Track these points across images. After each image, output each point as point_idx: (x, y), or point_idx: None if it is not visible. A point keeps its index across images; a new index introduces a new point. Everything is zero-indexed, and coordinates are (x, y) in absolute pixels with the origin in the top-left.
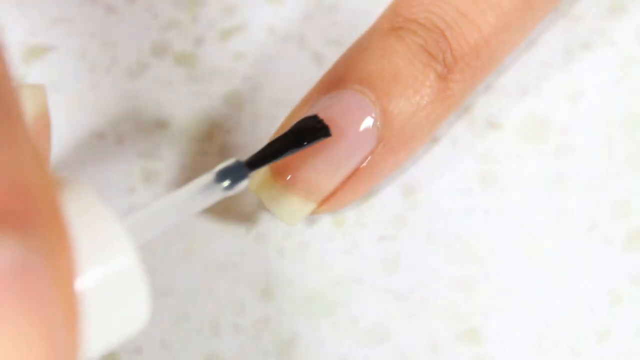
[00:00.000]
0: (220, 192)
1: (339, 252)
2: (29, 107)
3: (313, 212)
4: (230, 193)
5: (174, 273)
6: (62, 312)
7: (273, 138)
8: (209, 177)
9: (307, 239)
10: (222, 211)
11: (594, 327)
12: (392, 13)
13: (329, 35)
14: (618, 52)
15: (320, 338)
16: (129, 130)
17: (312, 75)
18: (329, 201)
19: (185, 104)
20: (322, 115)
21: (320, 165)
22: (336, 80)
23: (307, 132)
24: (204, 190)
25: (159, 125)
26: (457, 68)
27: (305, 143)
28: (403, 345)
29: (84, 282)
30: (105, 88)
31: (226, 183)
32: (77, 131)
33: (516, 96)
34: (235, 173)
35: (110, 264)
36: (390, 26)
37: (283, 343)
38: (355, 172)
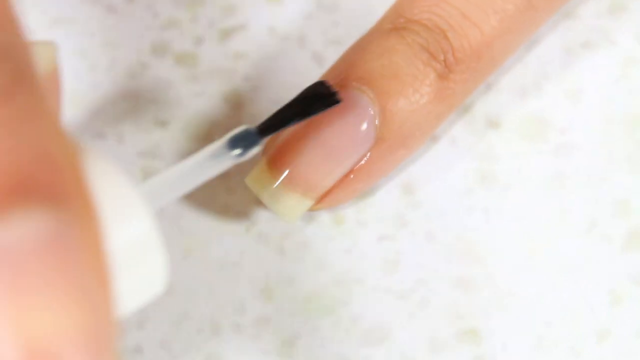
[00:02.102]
0: (232, 160)
1: (339, 252)
2: (40, 65)
3: (310, 209)
4: (242, 160)
5: (174, 273)
6: (96, 279)
7: (282, 105)
8: (220, 144)
9: (307, 239)
10: (222, 210)
11: (594, 327)
12: (394, 14)
13: (329, 35)
14: (618, 51)
15: (321, 338)
16: (129, 130)
17: (312, 75)
18: (327, 198)
19: (185, 103)
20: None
21: (318, 162)
22: (336, 79)
23: (316, 99)
24: (216, 157)
25: (159, 125)
26: (458, 69)
27: (315, 110)
28: (403, 345)
29: (108, 248)
30: (105, 88)
31: (237, 151)
32: (77, 131)
33: (516, 95)
34: (246, 141)
35: (129, 230)
36: (392, 27)
37: (283, 343)
38: (353, 170)
